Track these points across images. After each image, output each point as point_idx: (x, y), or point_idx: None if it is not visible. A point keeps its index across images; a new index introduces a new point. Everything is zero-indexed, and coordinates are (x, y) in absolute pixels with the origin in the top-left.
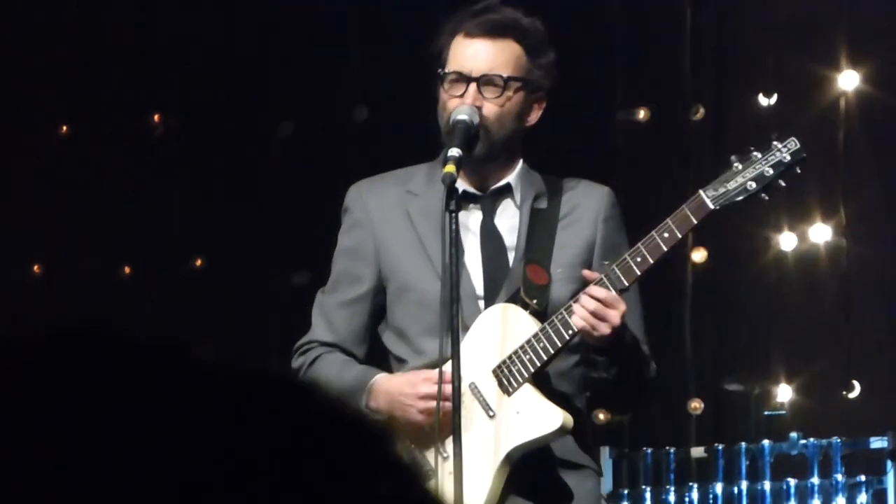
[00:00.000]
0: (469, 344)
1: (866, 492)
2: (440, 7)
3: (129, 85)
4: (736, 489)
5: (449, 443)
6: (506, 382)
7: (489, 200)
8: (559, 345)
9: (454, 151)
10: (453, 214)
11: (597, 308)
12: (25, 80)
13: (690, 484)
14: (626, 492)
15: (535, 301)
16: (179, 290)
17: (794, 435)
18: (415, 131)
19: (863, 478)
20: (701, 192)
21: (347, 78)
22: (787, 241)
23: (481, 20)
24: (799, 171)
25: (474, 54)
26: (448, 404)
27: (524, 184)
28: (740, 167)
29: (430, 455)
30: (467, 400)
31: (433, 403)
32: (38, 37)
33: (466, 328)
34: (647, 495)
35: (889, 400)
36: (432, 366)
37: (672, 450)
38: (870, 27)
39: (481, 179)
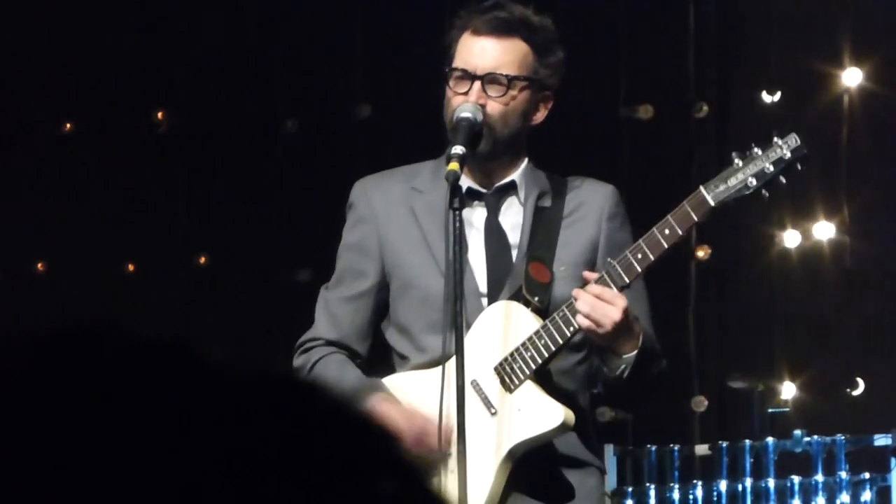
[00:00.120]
0: (471, 341)
1: (870, 489)
2: (446, 4)
3: (132, 82)
4: (740, 487)
5: (451, 441)
6: (507, 380)
7: (493, 198)
8: (560, 342)
9: (458, 149)
10: (457, 212)
11: (596, 304)
12: (28, 78)
13: (694, 481)
14: (630, 489)
15: (536, 298)
16: (183, 287)
17: (798, 432)
18: (420, 129)
19: (867, 475)
20: (701, 188)
21: (352, 75)
22: (790, 238)
23: (489, 17)
24: (800, 167)
25: (480, 52)
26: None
27: (529, 182)
28: (741, 164)
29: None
30: (469, 397)
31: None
32: (41, 34)
33: (469, 325)
34: (651, 493)
35: (893, 397)
36: (434, 363)
37: (676, 447)
38: (873, 24)
39: (486, 176)
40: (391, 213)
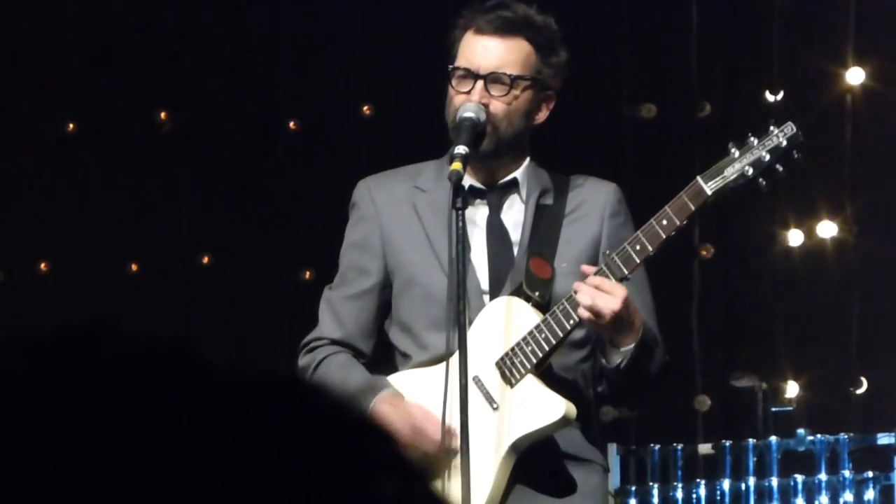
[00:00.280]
0: (472, 337)
1: (873, 488)
2: (447, 4)
3: (135, 82)
4: (743, 486)
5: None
6: (508, 374)
7: (495, 195)
8: (561, 335)
9: (461, 149)
10: (460, 212)
11: (596, 294)
12: (31, 78)
13: (698, 480)
14: (633, 488)
15: (537, 294)
16: (186, 287)
17: (801, 431)
18: (422, 128)
19: (870, 474)
20: (698, 178)
21: (354, 75)
22: (793, 237)
23: (493, 17)
24: (797, 155)
25: (483, 51)
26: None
27: (531, 180)
28: (738, 153)
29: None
30: (471, 393)
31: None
32: (43, 33)
33: (471, 322)
34: (655, 492)
35: None
36: (437, 360)
37: (679, 446)
38: (876, 23)
39: (488, 175)
40: (393, 212)
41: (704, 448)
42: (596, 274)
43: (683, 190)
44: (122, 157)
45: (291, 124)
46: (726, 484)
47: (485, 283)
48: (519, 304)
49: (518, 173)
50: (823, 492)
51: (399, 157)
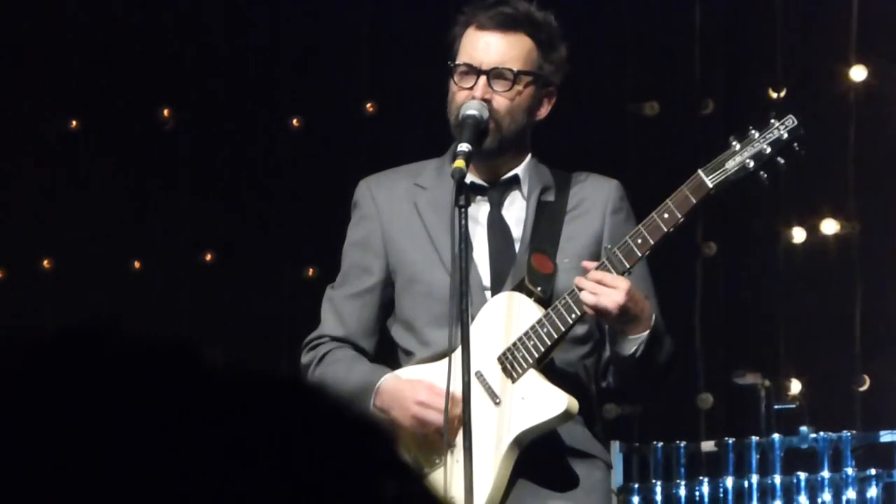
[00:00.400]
0: (475, 332)
1: (876, 485)
2: (450, 2)
3: (138, 79)
4: (746, 483)
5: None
6: (510, 369)
7: (497, 192)
8: (563, 329)
9: (463, 146)
10: (463, 210)
11: (598, 289)
12: (34, 75)
13: (701, 478)
14: (636, 486)
15: (539, 289)
16: (189, 285)
17: (804, 429)
18: (424, 127)
19: (873, 471)
20: (700, 171)
21: (357, 73)
22: (797, 234)
23: (494, 13)
24: (798, 148)
25: (485, 47)
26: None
27: (532, 176)
28: (739, 147)
29: (437, 446)
30: (473, 388)
31: (427, 412)
32: (46, 31)
33: (473, 318)
34: (658, 489)
35: None
36: (439, 357)
37: (682, 444)
38: (879, 21)
39: (490, 171)
40: (395, 210)
41: (707, 445)
42: (598, 268)
43: (685, 183)
44: (124, 154)
45: (294, 122)
46: (729, 481)
47: (486, 280)
48: (521, 299)
49: (519, 170)
50: (826, 489)
51: (401, 154)
